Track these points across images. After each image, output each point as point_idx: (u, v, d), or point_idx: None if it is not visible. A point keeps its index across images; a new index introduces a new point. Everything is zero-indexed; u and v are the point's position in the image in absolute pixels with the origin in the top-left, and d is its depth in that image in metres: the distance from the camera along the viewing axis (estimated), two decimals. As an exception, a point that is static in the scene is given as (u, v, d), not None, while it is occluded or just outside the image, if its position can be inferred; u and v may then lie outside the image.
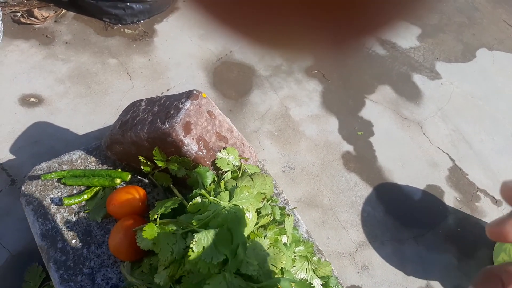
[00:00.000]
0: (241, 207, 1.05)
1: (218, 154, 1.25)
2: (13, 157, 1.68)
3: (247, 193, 1.10)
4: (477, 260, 1.76)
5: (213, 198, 1.06)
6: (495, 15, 3.01)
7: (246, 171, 1.26)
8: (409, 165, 1.98)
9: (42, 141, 1.74)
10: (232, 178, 1.22)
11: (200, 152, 1.21)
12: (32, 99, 1.87)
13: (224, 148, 1.27)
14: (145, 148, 1.25)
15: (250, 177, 1.19)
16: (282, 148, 1.92)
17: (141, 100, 1.36)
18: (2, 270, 1.44)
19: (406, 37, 2.66)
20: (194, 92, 1.25)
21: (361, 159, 1.95)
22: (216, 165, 1.23)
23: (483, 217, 1.89)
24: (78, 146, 1.76)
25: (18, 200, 1.57)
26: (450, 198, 1.91)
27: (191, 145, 1.19)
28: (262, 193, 1.17)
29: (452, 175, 2.00)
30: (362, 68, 2.40)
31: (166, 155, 1.24)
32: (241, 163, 1.27)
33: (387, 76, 2.38)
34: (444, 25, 2.83)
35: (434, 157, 2.04)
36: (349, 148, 1.98)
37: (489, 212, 1.91)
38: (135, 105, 1.36)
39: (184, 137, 1.17)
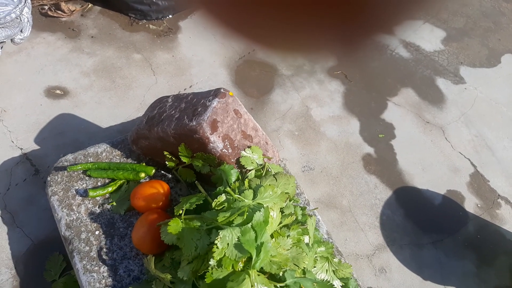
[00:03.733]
0: (265, 205, 1.06)
1: (243, 152, 1.26)
2: (38, 147, 1.71)
3: (271, 192, 1.10)
4: (496, 268, 1.74)
5: (238, 196, 1.07)
6: (522, 20, 2.96)
7: (269, 170, 1.26)
8: (430, 169, 1.96)
9: (66, 133, 1.77)
10: (256, 176, 1.23)
11: (225, 150, 1.22)
12: (58, 91, 1.90)
13: (249, 147, 1.28)
14: (171, 143, 1.26)
15: (274, 177, 1.19)
16: (302, 148, 1.92)
17: (168, 96, 1.38)
18: (24, 258, 1.47)
19: (431, 40, 2.63)
20: (222, 90, 1.26)
21: (382, 162, 1.94)
22: (241, 163, 1.24)
23: (503, 225, 1.87)
24: (101, 139, 1.78)
25: (41, 190, 1.60)
26: (471, 204, 1.89)
27: (217, 142, 1.20)
28: (285, 193, 1.17)
29: (473, 181, 1.97)
30: (385, 70, 2.38)
31: (191, 152, 1.25)
32: (265, 162, 1.27)
33: (410, 79, 2.36)
34: (469, 29, 2.79)
35: (455, 162, 2.02)
36: (370, 150, 1.97)
37: (510, 219, 1.88)
38: (161, 101, 1.37)
39: (210, 134, 1.18)
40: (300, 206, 1.26)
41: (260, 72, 2.20)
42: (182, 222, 1.05)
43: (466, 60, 2.57)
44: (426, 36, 2.66)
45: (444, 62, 2.52)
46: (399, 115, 2.16)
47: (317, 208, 1.32)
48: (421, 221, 1.78)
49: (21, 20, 1.82)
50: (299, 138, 1.96)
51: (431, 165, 1.98)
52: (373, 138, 2.02)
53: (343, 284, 1.20)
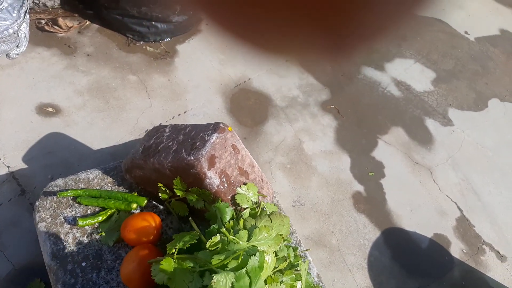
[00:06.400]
0: (260, 248, 1.04)
1: (238, 189, 1.25)
2: (25, 166, 1.67)
3: (266, 234, 1.09)
4: (479, 316, 1.75)
5: (233, 237, 1.05)
6: (508, 66, 3.06)
7: (264, 209, 1.25)
8: (418, 211, 1.98)
9: (56, 153, 1.73)
10: (250, 215, 1.22)
11: (221, 186, 1.21)
12: (50, 109, 1.86)
13: (245, 184, 1.27)
14: (166, 176, 1.24)
15: (269, 217, 1.18)
16: (294, 182, 1.92)
17: (165, 126, 1.36)
18: (4, 283, 1.41)
19: (421, 80, 2.69)
20: (221, 125, 1.25)
21: (371, 201, 1.95)
22: (236, 201, 1.23)
23: (487, 272, 1.88)
24: (92, 161, 1.75)
25: (26, 211, 1.56)
26: (456, 249, 1.91)
27: (213, 178, 1.18)
28: (280, 235, 1.16)
29: (459, 225, 1.99)
30: (376, 108, 2.41)
31: (186, 185, 1.23)
32: (260, 201, 1.26)
33: (400, 118, 2.40)
34: (458, 72, 2.87)
35: (442, 205, 2.04)
36: (360, 188, 1.98)
37: (494, 267, 1.90)
38: (158, 130, 1.36)
39: (207, 170, 1.17)
40: (292, 246, 1.25)
41: (254, 101, 2.21)
42: (174, 261, 1.02)
43: (454, 102, 2.63)
44: (417, 76, 2.73)
45: (433, 103, 2.57)
46: (389, 154, 2.19)
47: (308, 249, 1.31)
48: (408, 264, 1.79)
49: (18, 35, 1.80)
50: (290, 172, 1.96)
51: (419, 207, 2.00)
52: (363, 175, 2.04)
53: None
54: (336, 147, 2.13)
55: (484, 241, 1.97)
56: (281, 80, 2.37)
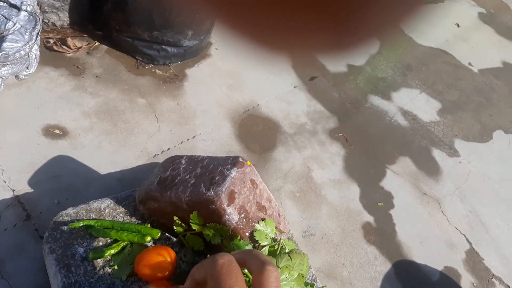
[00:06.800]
0: (282, 290, 1.01)
1: (257, 225, 1.22)
2: (31, 190, 1.62)
3: (287, 275, 1.06)
4: None
5: (255, 277, 1.02)
6: (511, 98, 3.09)
7: (283, 247, 1.22)
8: (428, 243, 1.96)
9: (62, 176, 1.69)
10: (270, 253, 1.19)
11: (240, 223, 1.17)
12: (56, 131, 1.83)
13: (263, 219, 1.24)
14: (182, 209, 1.21)
15: (289, 255, 1.15)
16: (303, 211, 1.89)
17: (181, 157, 1.34)
18: (6, 314, 1.36)
19: (427, 111, 2.70)
20: (240, 159, 1.23)
21: (381, 232, 1.92)
22: (254, 237, 1.20)
23: (497, 307, 1.86)
24: (99, 186, 1.72)
25: (31, 238, 1.51)
26: (467, 282, 1.88)
27: (232, 215, 1.15)
28: (300, 274, 1.13)
29: (469, 258, 1.97)
30: (384, 137, 2.41)
31: (202, 220, 1.20)
32: (280, 239, 1.23)
33: (407, 148, 2.39)
34: (462, 103, 2.88)
35: (452, 237, 2.02)
36: (370, 219, 1.96)
37: (504, 302, 1.88)
38: (174, 161, 1.33)
39: (227, 206, 1.14)
40: (308, 283, 1.22)
41: (263, 127, 2.19)
42: (194, 302, 0.98)
43: (460, 133, 2.64)
44: (423, 106, 2.74)
45: (439, 133, 2.58)
46: (397, 184, 2.17)
47: (325, 286, 1.28)
48: (419, 299, 1.76)
49: (29, 57, 1.77)
50: (300, 200, 1.93)
51: (429, 238, 1.98)
52: (372, 206, 2.02)
53: None
54: (345, 176, 2.11)
55: (493, 275, 1.95)
56: (289, 106, 2.36)
